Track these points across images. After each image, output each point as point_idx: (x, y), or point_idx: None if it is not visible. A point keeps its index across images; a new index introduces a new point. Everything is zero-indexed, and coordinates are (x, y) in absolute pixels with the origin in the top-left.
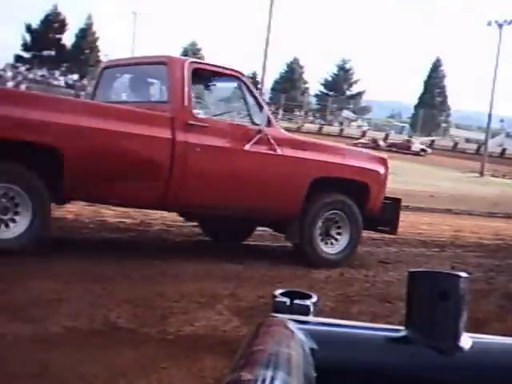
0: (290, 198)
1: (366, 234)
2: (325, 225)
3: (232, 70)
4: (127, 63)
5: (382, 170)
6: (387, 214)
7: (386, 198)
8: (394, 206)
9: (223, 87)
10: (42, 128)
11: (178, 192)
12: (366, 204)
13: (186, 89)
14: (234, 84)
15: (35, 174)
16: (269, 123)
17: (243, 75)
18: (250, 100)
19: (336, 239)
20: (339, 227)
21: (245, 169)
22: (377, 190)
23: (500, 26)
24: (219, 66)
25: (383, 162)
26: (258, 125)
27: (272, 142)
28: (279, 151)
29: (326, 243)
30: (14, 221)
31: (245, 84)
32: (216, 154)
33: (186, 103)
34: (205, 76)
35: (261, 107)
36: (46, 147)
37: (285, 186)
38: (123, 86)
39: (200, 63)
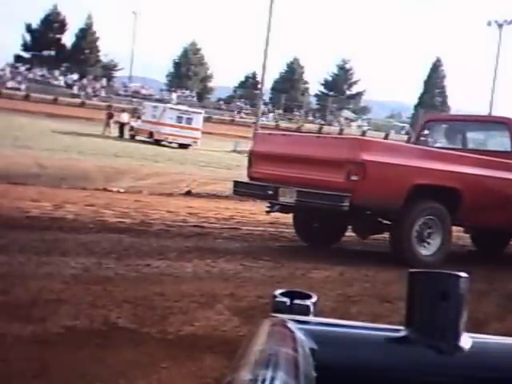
0: None
1: None
2: None
3: None
4: (455, 119)
5: None
6: None
7: None
8: None
9: None
10: (451, 176)
11: None
12: None
13: None
14: None
15: (444, 207)
16: None
17: None
18: None
19: None
20: None
21: None
22: None
23: (500, 25)
24: None
25: None
26: None
27: None
28: None
29: None
30: (429, 243)
31: None
32: None
33: None
34: None
35: None
36: (451, 188)
37: None
38: (452, 137)
39: None
